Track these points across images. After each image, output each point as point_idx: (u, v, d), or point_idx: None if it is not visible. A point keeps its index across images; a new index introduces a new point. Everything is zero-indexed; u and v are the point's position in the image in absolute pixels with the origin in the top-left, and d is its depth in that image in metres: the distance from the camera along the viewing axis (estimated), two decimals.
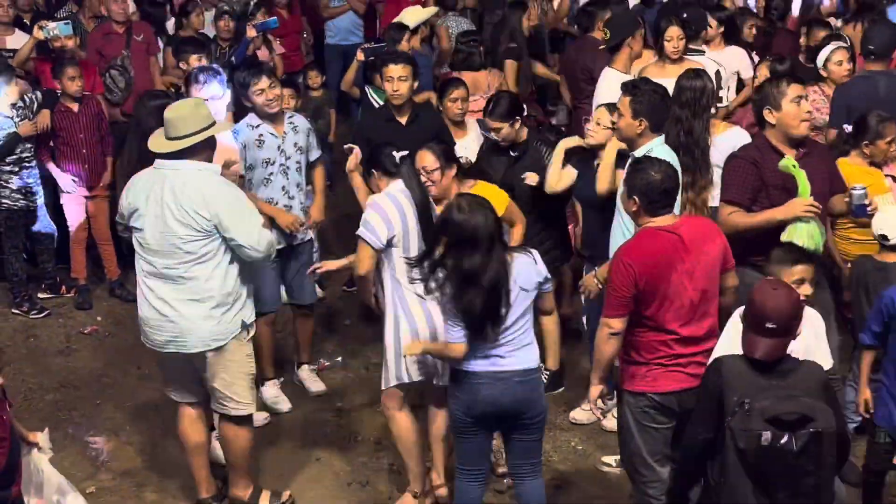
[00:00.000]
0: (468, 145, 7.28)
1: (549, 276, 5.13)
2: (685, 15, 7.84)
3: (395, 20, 8.93)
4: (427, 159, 5.77)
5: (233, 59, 8.89)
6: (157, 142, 5.39)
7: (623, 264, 4.80)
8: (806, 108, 5.55)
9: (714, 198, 6.09)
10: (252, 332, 5.58)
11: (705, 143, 6.17)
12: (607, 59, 7.67)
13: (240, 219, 5.29)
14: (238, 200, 5.36)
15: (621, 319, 4.84)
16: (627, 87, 5.71)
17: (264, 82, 6.64)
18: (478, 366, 4.96)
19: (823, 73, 7.40)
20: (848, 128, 6.67)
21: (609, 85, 7.12)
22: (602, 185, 6.11)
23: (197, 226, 5.24)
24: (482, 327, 4.87)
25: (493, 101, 6.86)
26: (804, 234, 5.34)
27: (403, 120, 7.00)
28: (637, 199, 4.89)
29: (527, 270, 4.98)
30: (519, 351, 4.99)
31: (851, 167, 6.35)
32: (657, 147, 5.62)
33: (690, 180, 6.03)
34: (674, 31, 7.52)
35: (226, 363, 5.48)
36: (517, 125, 6.79)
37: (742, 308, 4.64)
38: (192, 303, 5.35)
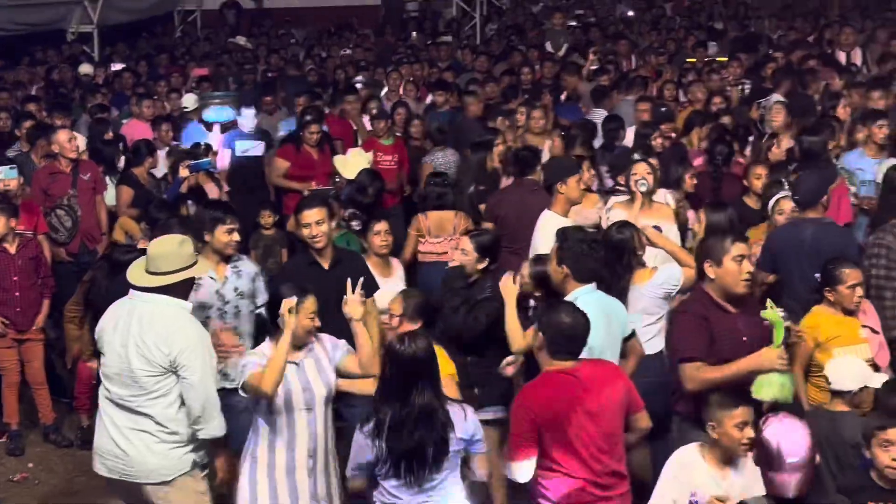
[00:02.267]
0: (395, 287, 7.17)
1: (480, 437, 5.02)
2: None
3: (336, 166, 9.00)
4: (396, 304, 5.92)
5: (165, 195, 8.84)
6: (136, 274, 5.43)
7: (521, 407, 4.87)
8: (747, 268, 5.54)
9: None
10: (205, 473, 5.49)
11: (625, 302, 6.24)
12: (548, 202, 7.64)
13: (198, 361, 5.26)
14: (201, 342, 5.35)
15: (527, 463, 4.86)
16: (559, 235, 5.93)
17: (232, 223, 6.67)
18: None
19: (769, 219, 7.36)
20: (818, 276, 6.55)
21: (545, 227, 7.15)
22: (515, 343, 6.01)
23: (155, 361, 5.23)
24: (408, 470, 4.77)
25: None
26: (775, 386, 5.27)
27: (326, 264, 6.90)
28: (542, 337, 5.00)
29: (456, 424, 4.88)
30: None
31: (822, 317, 6.27)
32: (583, 295, 5.70)
33: None
34: (642, 169, 7.62)
35: (171, 499, 5.38)
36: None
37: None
38: (143, 434, 5.33)
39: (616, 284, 6.27)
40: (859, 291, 6.21)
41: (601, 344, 5.54)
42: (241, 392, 5.32)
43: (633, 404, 5.07)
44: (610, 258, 6.26)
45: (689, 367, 5.43)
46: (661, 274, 6.43)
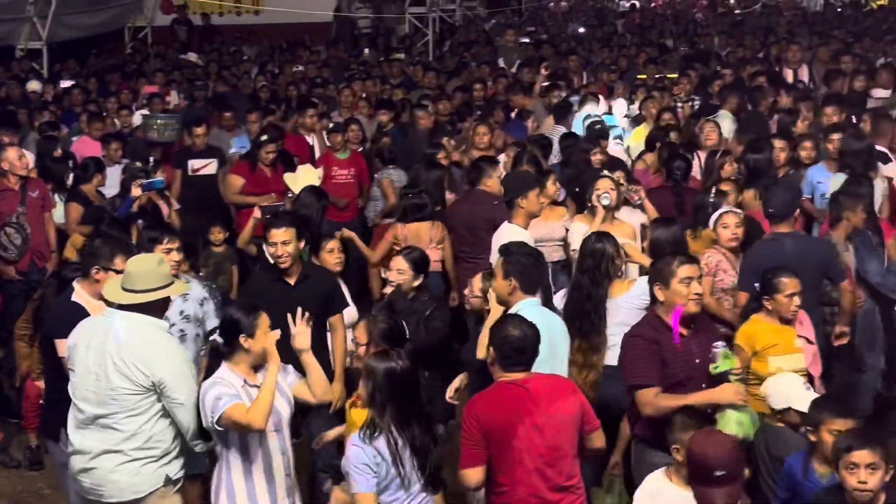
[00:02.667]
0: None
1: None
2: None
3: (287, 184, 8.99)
4: (360, 332, 5.99)
5: (116, 214, 8.76)
6: (112, 291, 5.40)
7: (471, 416, 4.92)
8: (695, 289, 5.57)
9: (611, 357, 6.31)
10: (178, 487, 5.46)
11: (604, 309, 6.42)
12: (508, 216, 7.70)
13: (183, 380, 5.28)
14: (183, 362, 5.36)
15: (476, 470, 4.92)
16: (501, 250, 6.02)
17: (170, 244, 6.63)
18: None
19: (713, 236, 7.42)
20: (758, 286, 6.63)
21: (506, 240, 6.99)
22: (481, 351, 6.00)
23: (136, 380, 5.21)
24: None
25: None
26: (732, 422, 5.33)
27: (292, 280, 6.87)
28: (493, 351, 5.05)
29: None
30: None
31: (760, 325, 6.30)
32: (527, 307, 5.76)
33: (586, 344, 6.36)
34: (605, 185, 7.66)
35: None
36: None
37: None
38: (114, 453, 5.30)
39: (595, 292, 6.42)
40: (796, 300, 6.23)
41: (545, 354, 5.52)
42: (216, 426, 5.15)
43: (587, 422, 5.06)
44: (588, 265, 6.42)
45: (644, 393, 5.45)
46: (639, 286, 6.46)
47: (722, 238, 7.29)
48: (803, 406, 5.49)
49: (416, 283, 7.05)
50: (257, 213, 8.48)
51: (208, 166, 10.93)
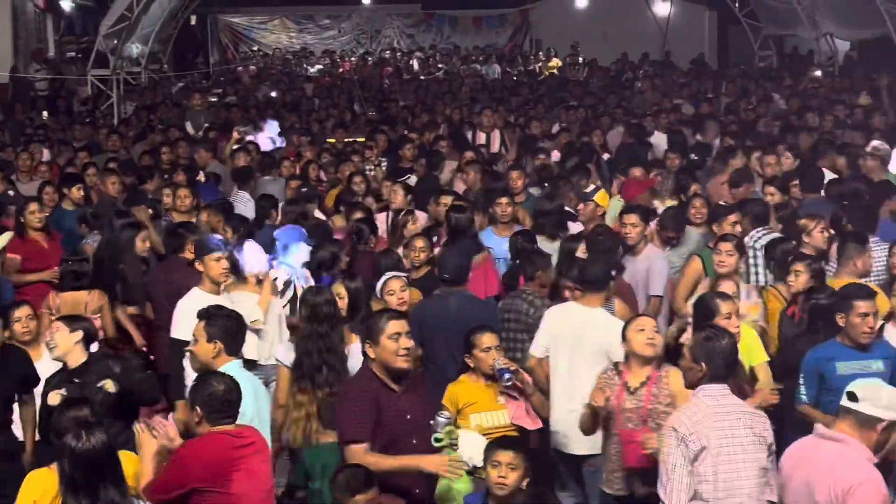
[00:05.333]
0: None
1: None
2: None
3: None
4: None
5: None
6: None
7: (181, 464, 5.06)
8: (405, 344, 5.61)
9: None
10: None
11: (343, 353, 6.55)
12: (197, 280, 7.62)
13: None
14: None
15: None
16: (201, 314, 6.01)
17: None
18: None
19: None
20: None
21: (193, 301, 7.17)
22: None
23: None
24: None
25: None
26: (444, 497, 5.58)
27: None
28: (199, 409, 5.17)
29: None
30: None
31: (463, 384, 6.48)
32: (233, 369, 5.74)
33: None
34: None
35: None
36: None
37: None
38: None
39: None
40: (493, 354, 6.43)
41: (252, 412, 5.69)
42: None
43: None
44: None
45: (353, 449, 5.49)
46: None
47: (390, 304, 7.28)
48: (478, 461, 5.67)
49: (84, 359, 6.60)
50: None
51: None
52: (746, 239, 8.48)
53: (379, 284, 7.54)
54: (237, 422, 5.31)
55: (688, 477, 5.05)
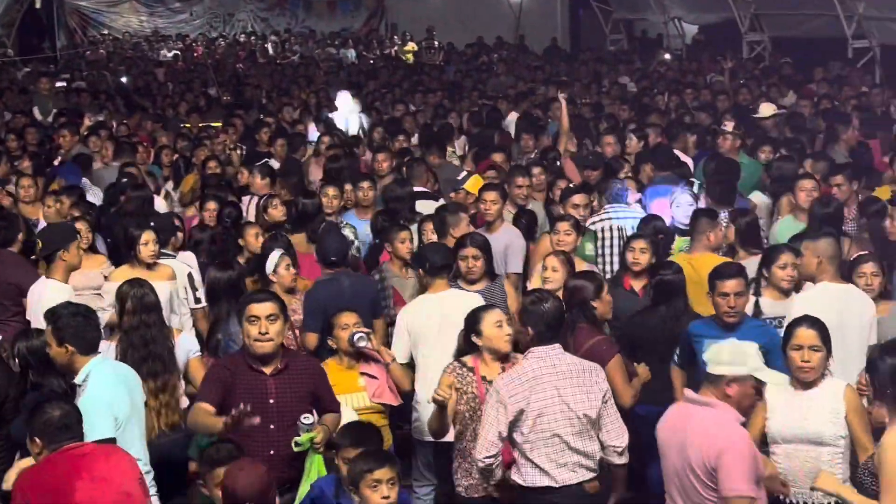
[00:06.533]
0: None
1: None
2: (153, 223, 7.92)
3: None
4: None
5: None
6: None
7: (20, 491, 4.90)
8: (261, 328, 5.58)
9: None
10: None
11: (170, 343, 6.41)
12: (45, 270, 7.41)
13: None
14: None
15: None
16: (48, 317, 5.74)
17: None
18: None
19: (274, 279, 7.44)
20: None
21: (50, 293, 6.95)
22: None
23: None
24: None
25: None
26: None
27: None
28: (38, 439, 4.94)
29: None
30: None
31: (330, 367, 6.42)
32: (96, 368, 5.58)
33: (161, 384, 6.26)
34: (149, 236, 7.57)
35: None
36: None
37: None
38: None
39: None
40: (345, 333, 6.49)
41: (127, 412, 5.54)
42: None
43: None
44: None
45: (196, 406, 5.61)
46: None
47: (279, 284, 7.31)
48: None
49: None
50: None
51: None
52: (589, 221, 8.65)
53: (269, 264, 7.45)
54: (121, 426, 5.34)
55: (499, 427, 5.40)
